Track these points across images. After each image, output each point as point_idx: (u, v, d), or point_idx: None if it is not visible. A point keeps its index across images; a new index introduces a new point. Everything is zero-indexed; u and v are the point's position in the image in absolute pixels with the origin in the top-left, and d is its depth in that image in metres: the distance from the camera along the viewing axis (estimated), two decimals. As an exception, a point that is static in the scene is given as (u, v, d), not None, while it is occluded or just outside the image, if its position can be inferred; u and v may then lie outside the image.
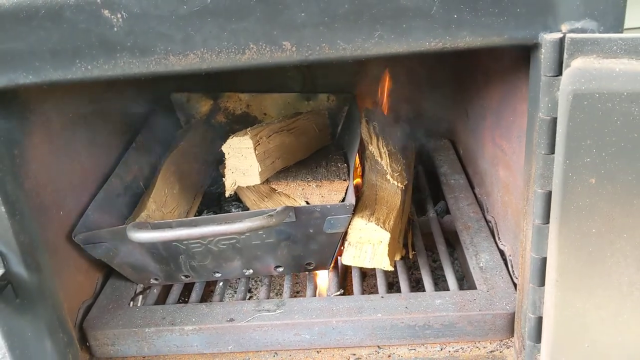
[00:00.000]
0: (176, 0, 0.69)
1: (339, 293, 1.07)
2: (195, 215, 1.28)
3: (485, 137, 1.25)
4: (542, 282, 0.81)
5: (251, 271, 1.11)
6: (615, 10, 0.69)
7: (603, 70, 0.64)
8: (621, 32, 0.70)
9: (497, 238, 1.16)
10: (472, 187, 1.38)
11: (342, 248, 1.06)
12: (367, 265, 1.04)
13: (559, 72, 0.69)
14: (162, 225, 1.00)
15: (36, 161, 0.93)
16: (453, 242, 1.35)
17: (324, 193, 1.13)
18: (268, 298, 1.08)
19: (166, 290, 1.14)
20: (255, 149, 1.06)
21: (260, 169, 1.06)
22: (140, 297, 1.13)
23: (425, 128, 1.64)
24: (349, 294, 1.07)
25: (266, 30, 0.71)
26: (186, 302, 1.08)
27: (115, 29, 0.71)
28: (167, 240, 0.95)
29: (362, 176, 1.24)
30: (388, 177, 1.14)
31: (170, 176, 1.25)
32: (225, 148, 1.07)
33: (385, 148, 1.23)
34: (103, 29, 0.71)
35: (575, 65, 0.67)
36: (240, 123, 1.60)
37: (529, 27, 0.70)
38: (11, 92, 0.78)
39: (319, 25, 0.71)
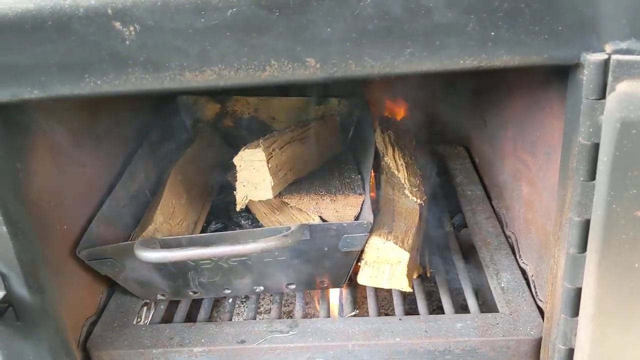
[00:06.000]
0: (193, 13, 0.64)
1: (353, 314, 1.02)
2: (203, 226, 1.23)
3: (506, 149, 1.21)
4: (575, 313, 0.77)
5: (262, 288, 1.06)
6: (664, 28, 0.64)
7: (654, 97, 0.59)
8: (669, 52, 0.66)
9: (517, 256, 1.12)
10: (490, 199, 1.34)
11: (358, 265, 1.02)
12: (385, 286, 0.99)
13: (602, 96, 0.64)
14: (171, 242, 0.96)
15: (39, 175, 0.89)
16: (468, 257, 1.30)
17: (339, 208, 1.08)
18: (279, 317, 1.04)
19: (173, 305, 1.10)
20: (268, 162, 1.01)
21: (273, 183, 1.02)
22: (145, 313, 1.09)
23: (439, 134, 1.59)
24: (362, 314, 1.03)
25: (289, 46, 0.66)
26: (193, 319, 1.04)
27: (127, 42, 0.66)
28: (177, 260, 0.91)
29: (376, 189, 1.19)
30: (407, 192, 1.09)
31: (177, 185, 1.21)
32: (236, 160, 1.03)
33: (402, 160, 1.18)
34: (114, 42, 0.66)
35: (622, 89, 0.62)
36: (248, 128, 1.55)
37: (571, 47, 0.65)
38: (14, 106, 0.73)
39: (345, 41, 0.66)
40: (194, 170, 1.30)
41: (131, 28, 0.65)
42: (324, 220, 1.09)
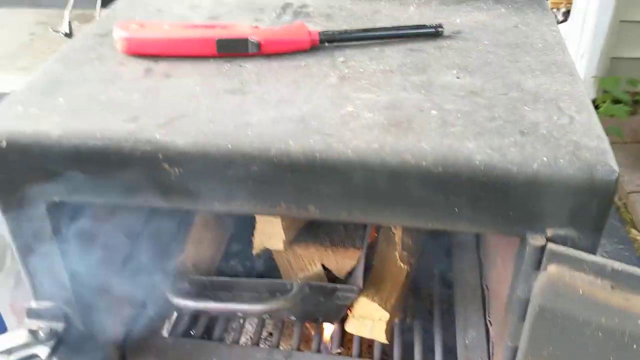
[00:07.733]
0: (222, 166, 0.82)
1: (338, 351, 1.24)
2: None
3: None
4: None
5: (268, 315, 1.29)
6: (595, 222, 0.80)
7: (569, 290, 0.76)
8: (599, 237, 0.81)
9: (487, 312, 1.31)
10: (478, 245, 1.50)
11: (348, 312, 1.23)
12: (367, 336, 1.20)
13: (538, 267, 0.81)
14: (196, 282, 1.18)
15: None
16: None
17: (339, 259, 1.27)
18: (278, 346, 1.27)
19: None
20: (282, 219, 1.21)
21: (284, 238, 1.21)
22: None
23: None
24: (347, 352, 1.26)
25: (295, 196, 0.84)
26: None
27: (172, 177, 0.85)
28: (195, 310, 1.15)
29: (376, 238, 1.37)
30: (396, 254, 1.27)
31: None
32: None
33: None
34: (163, 176, 0.85)
35: (550, 270, 0.79)
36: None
37: (519, 226, 0.82)
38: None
39: (338, 198, 0.83)
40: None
41: (176, 169, 0.84)
42: (325, 268, 1.29)
